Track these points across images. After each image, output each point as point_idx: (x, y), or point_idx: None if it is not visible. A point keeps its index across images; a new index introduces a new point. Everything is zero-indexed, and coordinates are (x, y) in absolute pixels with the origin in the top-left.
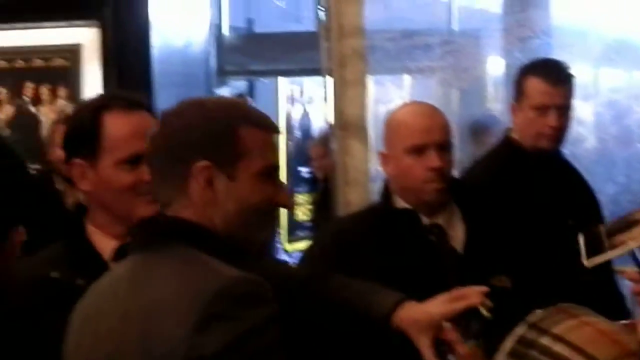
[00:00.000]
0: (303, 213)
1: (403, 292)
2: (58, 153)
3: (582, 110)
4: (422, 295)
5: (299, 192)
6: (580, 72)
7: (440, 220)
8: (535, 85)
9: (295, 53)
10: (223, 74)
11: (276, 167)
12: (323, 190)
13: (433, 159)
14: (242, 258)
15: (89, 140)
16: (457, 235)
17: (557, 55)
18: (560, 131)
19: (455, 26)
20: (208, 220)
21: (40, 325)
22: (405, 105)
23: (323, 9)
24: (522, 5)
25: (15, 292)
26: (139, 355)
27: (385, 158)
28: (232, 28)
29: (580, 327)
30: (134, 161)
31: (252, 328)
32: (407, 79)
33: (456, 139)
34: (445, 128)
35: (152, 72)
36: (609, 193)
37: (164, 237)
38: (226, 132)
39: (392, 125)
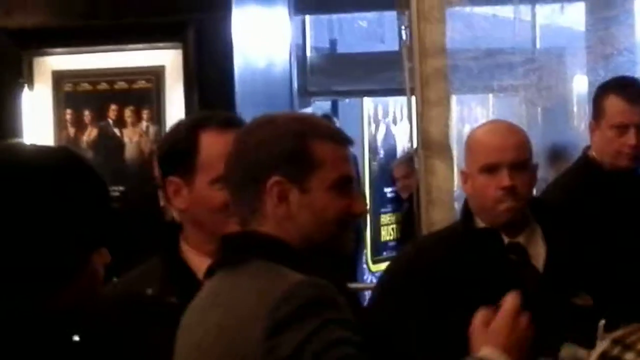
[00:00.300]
0: (387, 233)
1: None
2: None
3: None
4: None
5: (383, 213)
6: None
7: (521, 239)
8: (614, 104)
9: (378, 73)
10: (306, 95)
11: (350, 178)
12: (407, 210)
13: (504, 179)
14: (320, 269)
15: (185, 158)
16: (539, 254)
17: None
18: (639, 150)
19: (538, 44)
20: (286, 234)
21: (133, 341)
22: (485, 123)
23: (405, 28)
24: (606, 23)
25: (108, 309)
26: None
27: (464, 177)
28: (315, 49)
29: None
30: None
31: (316, 331)
32: (491, 98)
33: (540, 158)
34: (520, 147)
35: (234, 92)
36: None
37: (244, 253)
38: (297, 147)
39: (470, 144)
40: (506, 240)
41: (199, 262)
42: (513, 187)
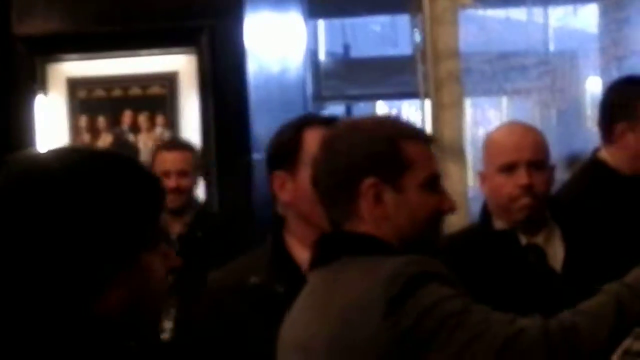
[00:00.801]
0: None
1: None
2: None
3: None
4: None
5: None
6: None
7: (539, 239)
8: None
9: (392, 77)
10: (320, 99)
11: (438, 176)
12: None
13: (522, 176)
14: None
15: (291, 153)
16: (557, 254)
17: None
18: None
19: (552, 47)
20: (382, 233)
21: (241, 328)
22: (502, 125)
23: (419, 32)
24: (618, 24)
25: (212, 297)
26: (334, 355)
27: (481, 178)
28: (329, 53)
29: None
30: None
31: (430, 304)
32: (504, 100)
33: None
34: (537, 146)
35: (249, 98)
36: None
37: (343, 251)
38: (388, 148)
39: (487, 145)
40: (524, 241)
41: (303, 254)
42: (530, 185)
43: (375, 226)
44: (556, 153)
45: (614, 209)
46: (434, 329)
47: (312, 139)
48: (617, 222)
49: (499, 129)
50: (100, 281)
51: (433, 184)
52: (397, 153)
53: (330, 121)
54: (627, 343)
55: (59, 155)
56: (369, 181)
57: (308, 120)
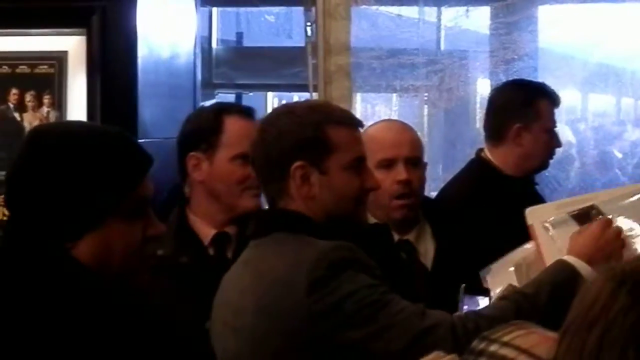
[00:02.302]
0: None
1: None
2: None
3: (567, 134)
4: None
5: None
6: (565, 95)
7: (411, 236)
8: (549, 109)
9: (284, 68)
10: (211, 87)
11: (363, 158)
12: None
13: (401, 172)
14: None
15: (210, 136)
16: (428, 251)
17: (541, 78)
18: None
19: (443, 46)
20: (310, 211)
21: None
22: (377, 122)
23: (311, 25)
24: (508, 28)
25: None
26: (260, 322)
27: None
28: (222, 41)
29: (527, 334)
30: (245, 158)
31: (351, 289)
32: (395, 97)
33: (441, 158)
34: (414, 143)
35: (137, 81)
36: None
37: (273, 226)
38: (315, 133)
39: (365, 141)
40: (396, 237)
41: (205, 229)
42: (409, 181)
43: (304, 204)
44: (442, 152)
45: (495, 208)
46: (352, 313)
47: (231, 125)
48: (494, 221)
49: (376, 125)
50: (73, 232)
51: (358, 166)
52: (322, 138)
53: (248, 111)
54: (472, 344)
55: (60, 127)
56: (296, 164)
57: (226, 107)
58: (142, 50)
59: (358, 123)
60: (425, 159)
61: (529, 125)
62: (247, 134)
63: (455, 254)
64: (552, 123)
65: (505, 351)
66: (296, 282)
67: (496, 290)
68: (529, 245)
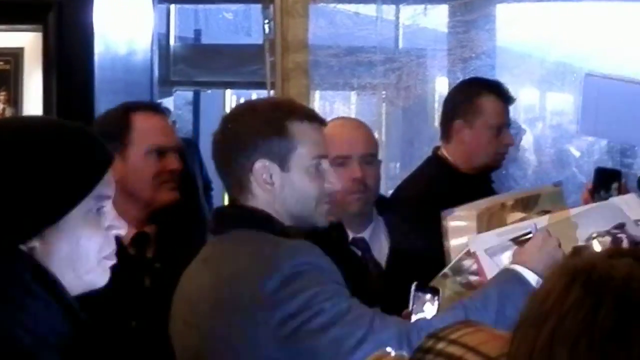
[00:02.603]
0: None
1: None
2: None
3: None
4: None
5: None
6: (523, 94)
7: (365, 234)
8: (494, 105)
9: (242, 66)
10: (168, 84)
11: (325, 156)
12: None
13: (355, 170)
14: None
15: (120, 133)
16: (382, 248)
17: (499, 76)
18: (509, 148)
19: (401, 44)
20: (271, 209)
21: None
22: (333, 119)
23: (269, 22)
24: (466, 26)
25: None
26: (218, 319)
27: None
28: (179, 38)
29: (475, 332)
30: (160, 152)
31: (313, 280)
32: (353, 95)
33: (399, 156)
34: (369, 141)
35: (93, 78)
36: None
37: (233, 223)
38: (278, 130)
39: None
40: (351, 235)
41: None
42: (363, 179)
43: (266, 202)
44: (400, 150)
45: (450, 205)
46: (309, 318)
47: (140, 121)
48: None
49: (331, 123)
50: (27, 230)
51: (320, 165)
52: (285, 133)
53: (155, 107)
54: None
55: (16, 122)
56: (259, 163)
57: (131, 106)
58: (99, 47)
59: (321, 120)
60: (383, 157)
61: (470, 122)
62: (157, 128)
63: (410, 252)
64: (498, 120)
65: (452, 349)
66: (256, 282)
67: (454, 242)
68: (497, 196)
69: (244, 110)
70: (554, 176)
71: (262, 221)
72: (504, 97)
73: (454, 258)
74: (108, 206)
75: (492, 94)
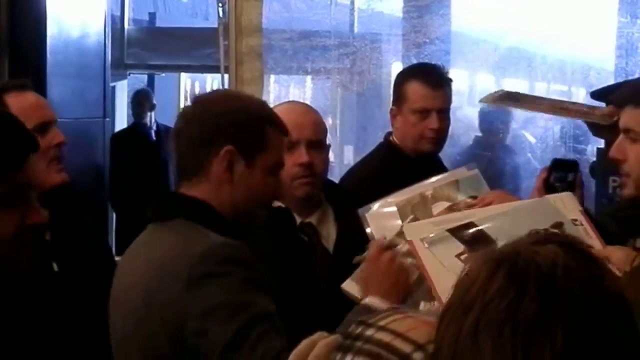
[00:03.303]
0: None
1: (274, 290)
2: None
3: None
4: (293, 293)
5: None
6: (478, 79)
7: (313, 219)
8: (416, 90)
9: (196, 49)
10: (123, 67)
11: (283, 165)
12: None
13: (302, 155)
14: (236, 236)
15: None
16: (330, 234)
17: (453, 61)
18: (441, 134)
19: (356, 29)
20: (218, 198)
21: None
22: (281, 103)
23: (223, 6)
24: (420, 11)
25: None
26: (144, 306)
27: None
28: (134, 21)
29: (404, 319)
30: (41, 129)
31: (232, 286)
32: (308, 79)
33: (352, 141)
34: (317, 126)
35: (45, 61)
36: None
37: (172, 211)
38: (256, 126)
39: None
40: (298, 220)
41: None
42: (310, 164)
43: (216, 189)
44: (354, 135)
45: (399, 187)
46: (219, 323)
47: (13, 101)
48: None
49: (279, 107)
50: None
51: (276, 170)
52: (261, 133)
53: (21, 84)
54: (350, 329)
55: None
56: (228, 147)
57: (3, 87)
58: (51, 30)
59: (287, 132)
60: (337, 141)
61: (399, 107)
62: (32, 106)
63: (357, 237)
64: (422, 105)
65: (380, 335)
66: (179, 275)
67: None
68: (412, 188)
69: (228, 97)
70: (507, 162)
71: (202, 213)
72: (431, 82)
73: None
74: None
75: (416, 80)
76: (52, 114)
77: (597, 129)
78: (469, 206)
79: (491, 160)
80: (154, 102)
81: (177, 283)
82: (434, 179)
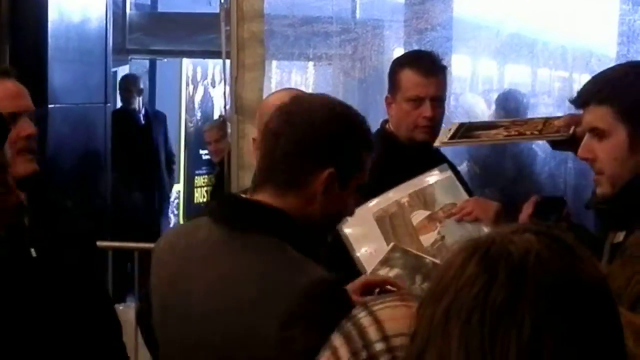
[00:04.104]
0: (201, 195)
1: None
2: None
3: (480, 103)
4: None
5: (198, 174)
6: (480, 65)
7: None
8: (409, 78)
9: (199, 34)
10: (124, 52)
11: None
12: (218, 174)
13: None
14: (315, 255)
15: None
16: None
17: (455, 48)
18: (435, 122)
19: (358, 15)
20: (302, 215)
21: None
22: (278, 91)
23: None
24: None
25: None
26: (221, 336)
27: (256, 144)
28: (136, 5)
29: (396, 307)
30: (12, 118)
31: (314, 343)
32: (311, 65)
33: None
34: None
35: (47, 46)
36: (499, 187)
37: (256, 222)
38: (356, 150)
39: (263, 111)
40: None
41: None
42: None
43: (302, 209)
44: None
45: (397, 178)
46: None
47: None
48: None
49: (275, 96)
50: None
51: (359, 189)
52: (359, 157)
53: (6, 72)
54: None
55: None
56: (331, 170)
57: None
58: (53, 15)
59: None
60: None
61: (394, 96)
62: (10, 94)
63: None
64: (415, 93)
65: (365, 320)
66: (273, 309)
67: (361, 251)
68: (387, 195)
69: (331, 111)
70: (511, 148)
71: (292, 232)
72: (423, 70)
73: (369, 264)
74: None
75: (409, 68)
76: (26, 104)
77: (555, 144)
78: (449, 215)
79: (493, 147)
80: (141, 86)
81: (274, 318)
82: (408, 183)
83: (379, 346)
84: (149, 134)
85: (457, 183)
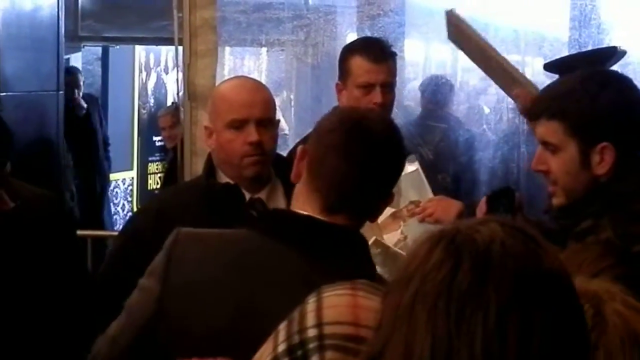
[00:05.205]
0: (154, 182)
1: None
2: None
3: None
4: None
5: (151, 161)
6: (433, 51)
7: (262, 195)
8: (360, 64)
9: (151, 21)
10: (77, 40)
11: None
12: (171, 160)
13: (252, 134)
14: None
15: None
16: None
17: (407, 34)
18: (385, 108)
19: (310, 1)
20: None
21: None
22: (229, 79)
23: None
24: None
25: None
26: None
27: (209, 132)
28: None
29: (343, 296)
30: None
31: None
32: (264, 52)
33: (308, 113)
34: (267, 104)
35: None
36: (450, 173)
37: (346, 251)
38: None
39: (215, 100)
40: (248, 195)
41: None
42: (260, 143)
43: None
44: (309, 107)
45: None
46: None
47: None
48: None
49: (227, 84)
50: None
51: None
52: None
53: None
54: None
55: None
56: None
57: None
58: (3, 2)
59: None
60: (292, 114)
61: (344, 82)
62: None
63: None
64: (365, 79)
65: (310, 305)
66: None
67: None
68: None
69: (389, 140)
70: (462, 134)
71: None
72: (373, 57)
73: None
74: None
75: (359, 54)
76: None
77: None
78: (412, 215)
79: (445, 132)
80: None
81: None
82: None
83: (311, 332)
84: (88, 119)
85: (423, 177)
